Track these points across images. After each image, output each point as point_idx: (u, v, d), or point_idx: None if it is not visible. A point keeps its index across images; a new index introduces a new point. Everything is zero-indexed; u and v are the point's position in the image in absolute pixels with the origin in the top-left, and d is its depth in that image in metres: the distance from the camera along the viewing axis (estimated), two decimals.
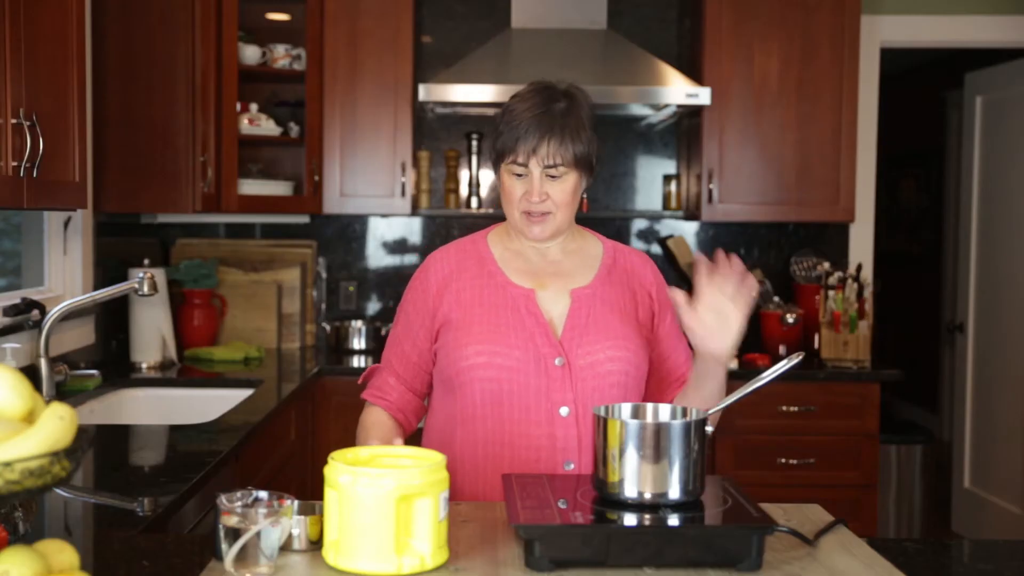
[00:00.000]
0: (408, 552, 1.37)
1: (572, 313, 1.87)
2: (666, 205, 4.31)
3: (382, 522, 1.35)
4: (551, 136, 1.80)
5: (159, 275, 3.54)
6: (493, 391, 1.83)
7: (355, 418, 1.98)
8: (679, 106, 3.84)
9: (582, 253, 1.95)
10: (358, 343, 4.09)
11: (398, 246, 4.33)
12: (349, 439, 1.90)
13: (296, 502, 1.44)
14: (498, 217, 2.19)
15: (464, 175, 4.33)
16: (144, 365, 3.53)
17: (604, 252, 1.96)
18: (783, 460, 3.74)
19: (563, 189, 1.83)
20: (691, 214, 4.15)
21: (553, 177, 1.82)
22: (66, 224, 3.24)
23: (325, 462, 1.40)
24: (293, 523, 1.41)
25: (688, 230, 4.36)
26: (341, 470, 1.37)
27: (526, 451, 1.81)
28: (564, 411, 1.82)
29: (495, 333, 1.84)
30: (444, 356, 1.89)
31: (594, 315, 1.87)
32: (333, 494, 1.39)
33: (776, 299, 4.10)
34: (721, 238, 4.35)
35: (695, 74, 4.04)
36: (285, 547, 1.40)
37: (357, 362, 3.89)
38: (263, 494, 1.40)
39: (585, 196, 1.94)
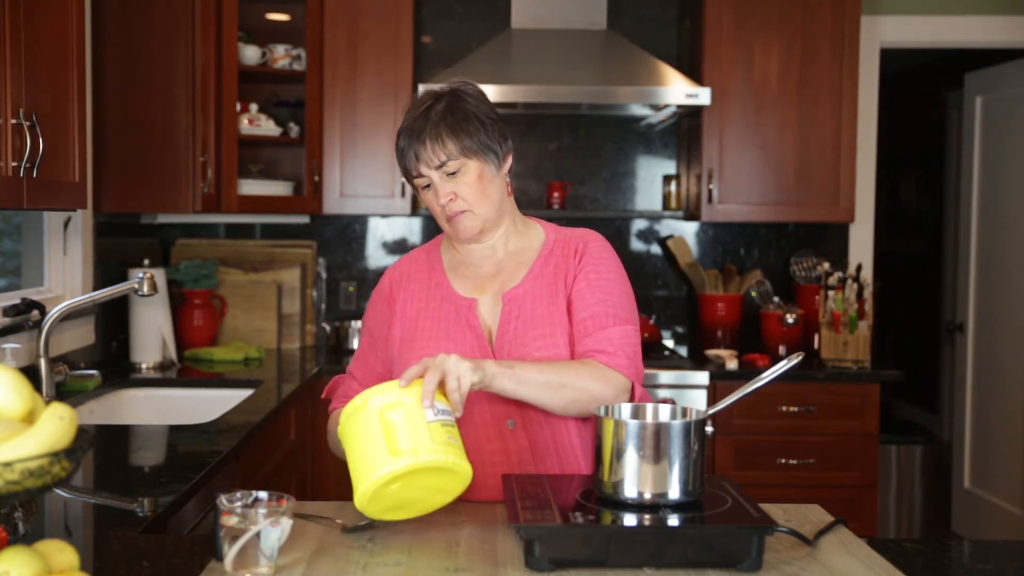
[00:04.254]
0: (399, 454, 1.47)
1: (503, 320, 1.85)
2: (666, 205, 4.31)
3: (373, 433, 1.50)
4: (426, 137, 1.79)
5: (159, 275, 3.54)
6: None
7: None
8: (679, 106, 3.83)
9: (523, 250, 1.93)
10: (358, 343, 4.06)
11: (398, 246, 4.33)
12: None
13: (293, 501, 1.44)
14: None
15: None
16: (144, 365, 3.53)
17: (544, 243, 1.92)
18: (783, 460, 3.74)
19: (467, 183, 1.81)
20: (691, 214, 4.15)
21: (450, 174, 1.81)
22: (66, 224, 3.24)
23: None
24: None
25: (688, 230, 4.36)
26: (341, 421, 1.56)
27: (482, 467, 1.77)
28: (511, 423, 1.82)
29: (435, 348, 1.82)
30: (393, 373, 1.89)
31: (523, 316, 1.84)
32: (346, 452, 1.55)
33: (776, 299, 4.10)
34: (721, 238, 4.35)
35: (695, 74, 4.04)
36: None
37: None
38: (263, 494, 1.40)
39: (509, 180, 1.92)
